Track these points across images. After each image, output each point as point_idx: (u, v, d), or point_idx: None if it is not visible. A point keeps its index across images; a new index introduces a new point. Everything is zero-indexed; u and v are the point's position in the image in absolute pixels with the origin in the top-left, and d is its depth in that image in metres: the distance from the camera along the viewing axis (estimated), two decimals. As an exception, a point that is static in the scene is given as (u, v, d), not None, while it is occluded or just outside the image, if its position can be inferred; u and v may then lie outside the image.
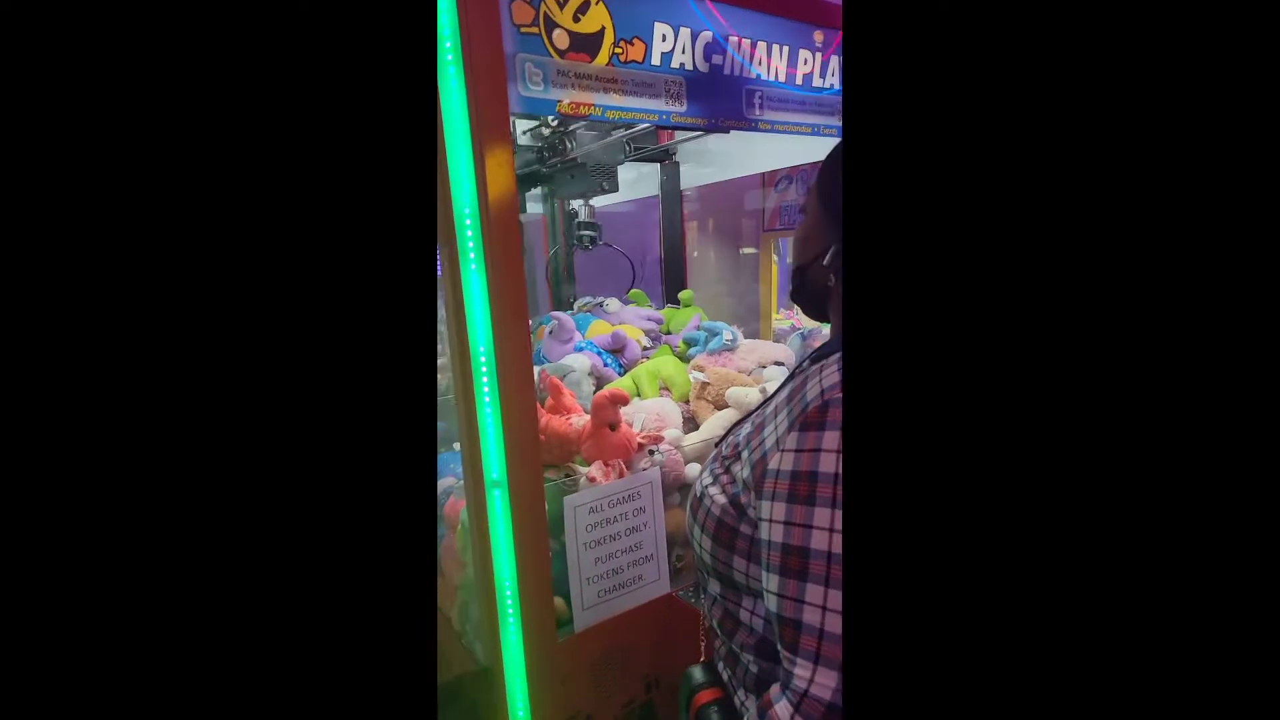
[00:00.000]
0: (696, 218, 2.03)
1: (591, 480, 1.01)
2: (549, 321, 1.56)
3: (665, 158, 1.80)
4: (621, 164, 1.37)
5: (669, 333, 1.78)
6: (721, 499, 0.61)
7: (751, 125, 1.06)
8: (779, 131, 1.10)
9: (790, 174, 2.05)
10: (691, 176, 1.85)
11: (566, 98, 0.85)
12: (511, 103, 0.80)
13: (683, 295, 1.79)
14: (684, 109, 0.97)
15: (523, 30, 0.80)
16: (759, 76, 1.04)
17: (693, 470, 1.18)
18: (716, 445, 0.68)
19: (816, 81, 1.11)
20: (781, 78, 1.07)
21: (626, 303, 1.96)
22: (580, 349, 1.51)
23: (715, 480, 0.63)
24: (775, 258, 2.31)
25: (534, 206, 2.33)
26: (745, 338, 1.68)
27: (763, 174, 2.10)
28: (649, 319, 1.69)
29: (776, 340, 2.30)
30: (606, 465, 1.04)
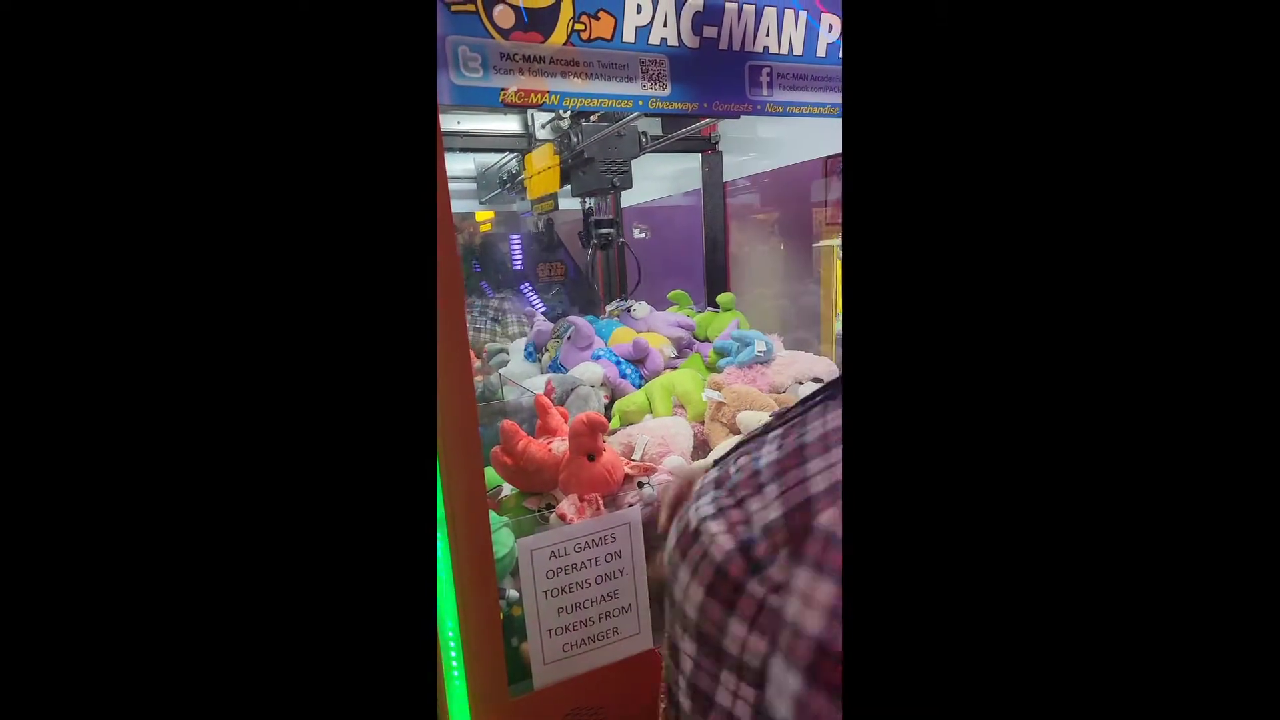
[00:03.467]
0: (744, 212, 1.85)
1: (561, 518, 0.90)
2: (569, 329, 1.47)
3: (707, 147, 1.63)
4: (636, 157, 1.24)
5: (706, 340, 1.63)
6: (727, 542, 0.46)
7: (758, 109, 0.89)
8: (793, 115, 0.92)
9: (855, 160, 1.81)
10: (737, 167, 1.67)
11: (512, 85, 0.73)
12: (441, 94, 0.69)
13: (722, 299, 1.63)
14: (667, 93, 0.82)
15: (454, 9, 0.69)
16: (766, 50, 0.87)
17: (694, 506, 1.04)
18: (719, 461, 0.54)
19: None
20: (797, 49, 0.89)
21: (668, 305, 1.83)
22: (598, 357, 1.40)
23: (720, 513, 0.48)
24: (840, 254, 2.08)
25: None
26: (793, 348, 1.49)
27: (824, 160, 1.87)
28: (679, 325, 1.55)
29: (840, 347, 2.07)
30: (582, 501, 0.93)
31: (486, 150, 1.61)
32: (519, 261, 2.80)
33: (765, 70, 0.87)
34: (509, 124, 1.51)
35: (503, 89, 0.73)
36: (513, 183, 1.69)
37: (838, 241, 1.98)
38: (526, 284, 2.80)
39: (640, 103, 0.81)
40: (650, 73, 0.80)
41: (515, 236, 2.76)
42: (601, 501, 0.93)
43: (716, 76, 0.84)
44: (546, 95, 0.75)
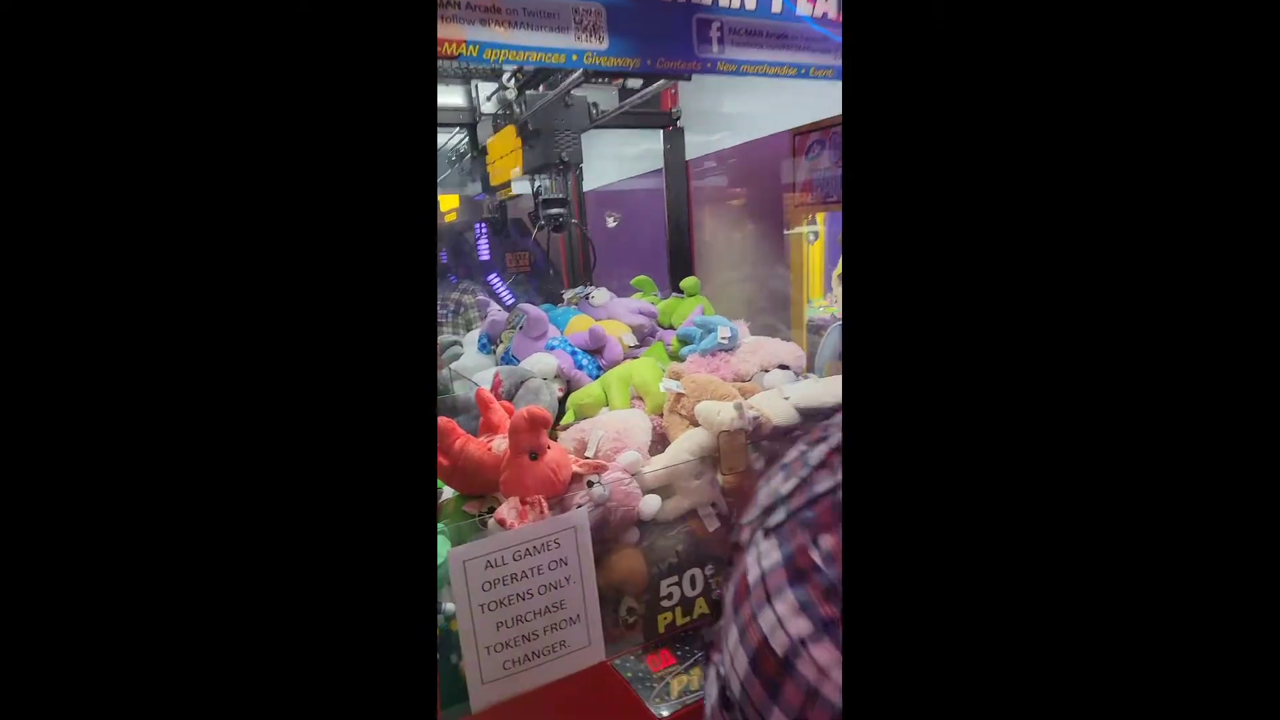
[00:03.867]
0: (709, 192, 1.77)
1: (500, 523, 0.81)
2: (522, 318, 1.37)
3: (668, 123, 1.55)
4: (586, 130, 1.14)
5: (670, 327, 1.55)
6: (802, 623, 0.38)
7: (708, 67, 0.81)
8: (747, 74, 0.84)
9: (823, 137, 1.74)
10: (701, 146, 1.59)
11: (420, 34, 0.63)
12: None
13: (685, 283, 1.55)
14: (604, 47, 0.73)
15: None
16: (715, 3, 0.78)
17: (650, 504, 0.96)
18: (777, 504, 0.46)
19: (803, 7, 0.84)
20: (750, 4, 0.80)
21: (633, 293, 1.74)
22: (552, 347, 1.31)
23: (800, 581, 0.39)
24: (810, 237, 2.01)
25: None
26: (760, 333, 1.42)
27: (793, 138, 1.80)
28: (641, 312, 1.46)
29: (815, 333, 2.01)
30: (524, 504, 0.84)
31: (453, 126, 1.50)
32: (485, 251, 2.69)
33: (715, 25, 0.79)
34: (453, 96, 1.41)
35: (409, 37, 0.63)
36: (462, 162, 1.59)
37: (808, 228, 1.91)
38: (494, 274, 2.70)
39: (574, 58, 0.72)
40: (585, 23, 0.70)
41: (480, 225, 2.65)
42: (546, 504, 0.85)
43: (661, 29, 0.76)
44: (463, 45, 0.65)
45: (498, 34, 0.67)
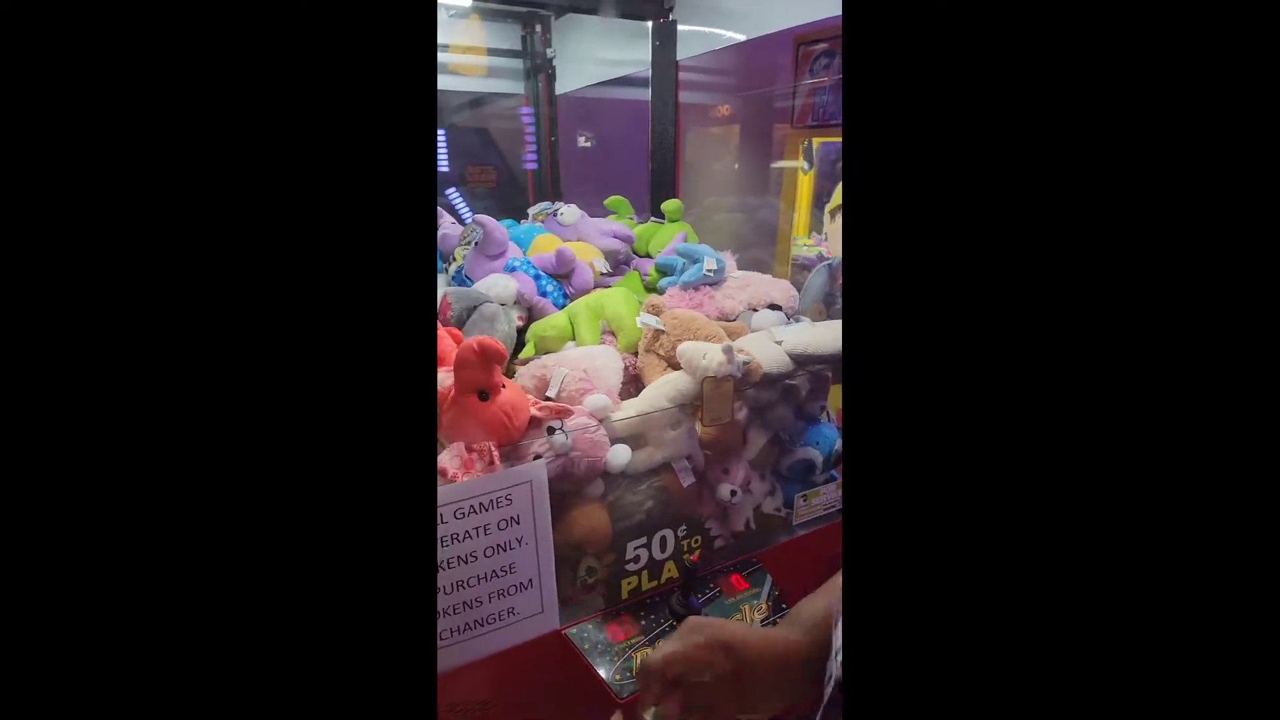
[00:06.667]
0: (698, 102, 1.56)
1: (440, 474, 0.68)
2: (477, 233, 1.19)
3: (660, 14, 1.33)
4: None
5: (647, 255, 1.39)
6: None
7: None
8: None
9: (833, 48, 1.54)
10: (695, 43, 1.38)
11: None
12: None
13: (667, 206, 1.38)
14: None
15: None
16: None
17: (619, 454, 0.84)
18: None
19: None
20: None
21: (606, 215, 1.56)
22: (512, 269, 1.14)
23: None
24: (806, 165, 1.84)
25: (510, 84, 1.89)
26: (747, 268, 1.28)
27: (796, 45, 1.59)
28: (616, 236, 1.29)
29: (798, 272, 1.87)
30: (470, 452, 0.71)
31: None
32: (444, 163, 2.44)
33: None
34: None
35: None
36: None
37: (802, 161, 1.73)
38: (453, 189, 2.47)
39: None
40: None
41: (440, 132, 2.38)
42: (496, 453, 0.71)
43: None
44: None
45: None
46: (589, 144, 2.12)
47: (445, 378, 0.76)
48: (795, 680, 0.51)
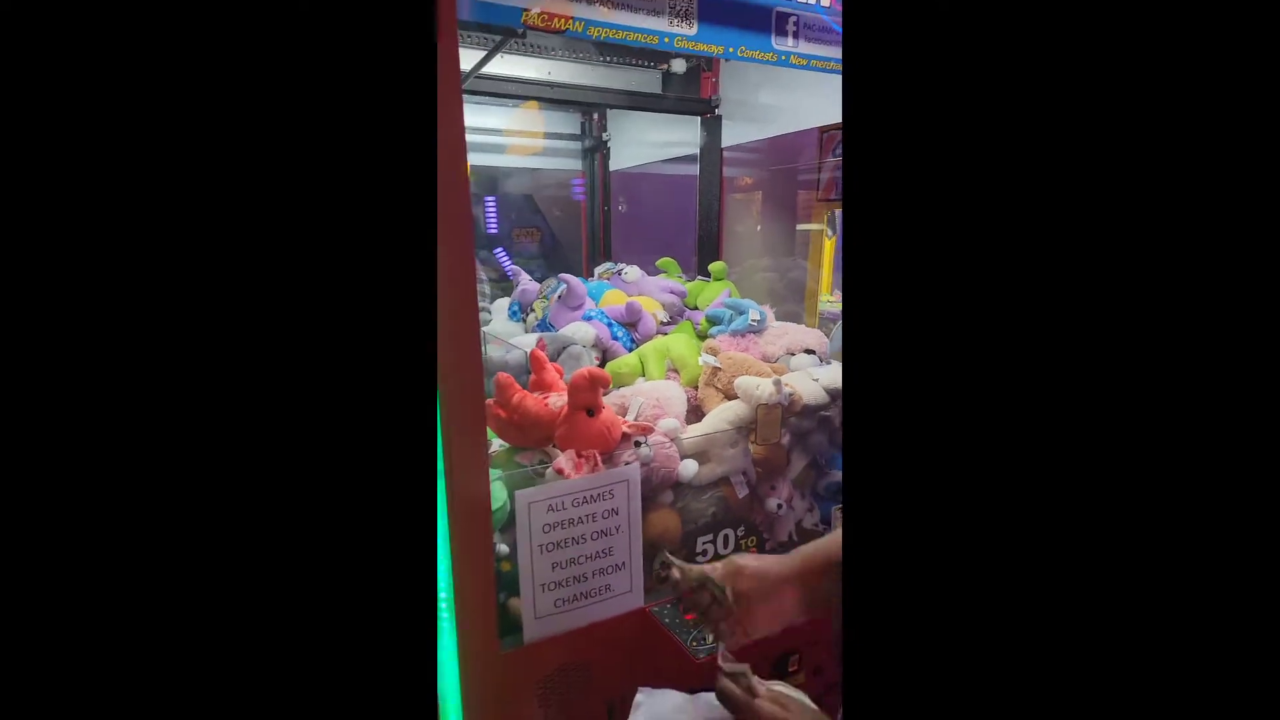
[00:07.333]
0: (737, 176, 1.82)
1: (559, 472, 0.87)
2: (560, 287, 1.42)
3: (707, 110, 1.60)
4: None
5: (695, 308, 1.61)
6: None
7: (782, 60, 0.86)
8: (817, 69, 0.89)
9: (852, 136, 1.80)
10: (735, 133, 1.64)
11: (536, 5, 0.69)
12: (460, 9, 0.64)
13: (713, 267, 1.61)
14: (693, 33, 0.78)
15: (481, -84, 0.64)
16: (795, -3, 0.84)
17: (689, 467, 1.03)
18: None
19: (873, 7, 0.89)
20: (825, 0, 0.86)
21: (657, 273, 1.79)
22: (589, 318, 1.36)
23: None
24: (830, 231, 2.08)
25: (570, 163, 2.18)
26: (782, 319, 1.49)
27: (820, 135, 1.86)
28: (671, 291, 1.52)
29: (825, 324, 2.08)
30: (580, 457, 0.90)
31: (507, 97, 1.56)
32: (493, 224, 2.73)
33: (792, 20, 0.84)
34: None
35: (525, 9, 0.68)
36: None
37: (826, 227, 1.97)
38: (500, 249, 2.74)
39: (666, 40, 0.77)
40: (679, 9, 0.76)
41: (490, 199, 2.68)
42: (599, 458, 0.91)
43: (743, 20, 0.81)
44: (570, 21, 0.70)
45: (601, 13, 0.72)
46: (624, 208, 2.38)
47: (558, 399, 0.97)
48: (784, 596, 0.71)
